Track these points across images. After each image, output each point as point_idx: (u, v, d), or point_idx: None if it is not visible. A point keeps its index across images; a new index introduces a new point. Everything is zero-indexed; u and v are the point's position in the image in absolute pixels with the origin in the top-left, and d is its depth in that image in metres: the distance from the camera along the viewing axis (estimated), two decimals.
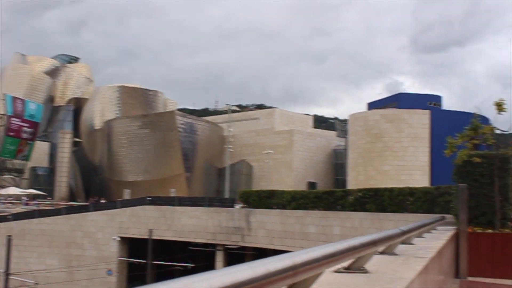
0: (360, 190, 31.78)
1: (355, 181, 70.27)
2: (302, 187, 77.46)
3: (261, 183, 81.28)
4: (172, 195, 58.37)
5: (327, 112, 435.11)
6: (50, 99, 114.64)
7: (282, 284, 2.12)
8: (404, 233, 5.91)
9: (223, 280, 1.55)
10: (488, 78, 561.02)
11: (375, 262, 5.00)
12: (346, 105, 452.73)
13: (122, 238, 41.98)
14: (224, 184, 72.50)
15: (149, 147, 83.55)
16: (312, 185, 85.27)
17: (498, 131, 14.88)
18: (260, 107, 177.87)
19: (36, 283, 41.06)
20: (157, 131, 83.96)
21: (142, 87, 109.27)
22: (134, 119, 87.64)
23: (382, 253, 6.06)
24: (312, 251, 2.49)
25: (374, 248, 4.27)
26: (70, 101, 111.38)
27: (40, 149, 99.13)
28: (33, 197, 77.28)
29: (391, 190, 29.19)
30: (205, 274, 1.57)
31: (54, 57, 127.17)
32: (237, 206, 39.62)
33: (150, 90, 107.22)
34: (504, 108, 14.31)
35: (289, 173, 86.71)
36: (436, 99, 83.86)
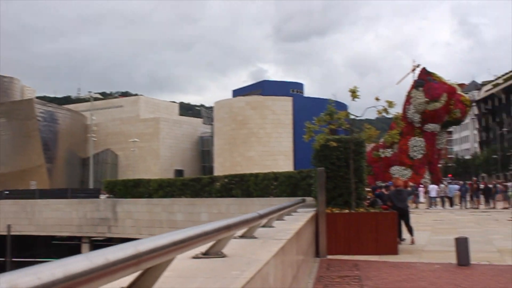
0: (226, 176, 32.10)
1: (221, 167, 70.96)
2: (169, 175, 77.01)
3: (128, 172, 79.87)
4: (33, 187, 55.75)
5: (193, 99, 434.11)
6: None
7: (125, 274, 2.10)
8: (261, 216, 6.04)
9: (54, 272, 1.49)
10: (346, 67, 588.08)
11: (233, 246, 5.08)
12: (213, 92, 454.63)
13: None
14: (88, 174, 70.14)
15: (5, 137, 78.78)
16: (179, 172, 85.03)
17: (352, 117, 15.59)
18: (125, 94, 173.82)
19: None
20: (14, 120, 79.45)
21: None
22: None
23: (242, 237, 6.17)
24: (159, 238, 2.49)
25: (230, 233, 4.32)
26: None
27: None
28: None
29: (256, 175, 29.68)
30: (35, 268, 1.50)
31: None
32: (103, 197, 38.63)
33: (5, 77, 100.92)
34: (357, 95, 15.04)
35: (156, 161, 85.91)
36: (298, 86, 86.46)
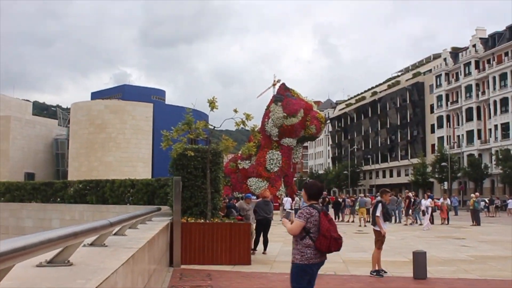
0: (80, 182, 31.13)
1: (76, 172, 68.67)
2: (19, 178, 73.24)
3: None
4: None
5: (49, 99, 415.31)
6: None
7: None
8: (112, 224, 5.96)
9: None
10: (211, 77, 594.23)
11: (81, 254, 4.98)
12: (71, 93, 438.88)
13: None
14: None
15: None
16: (29, 176, 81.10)
17: (211, 127, 15.78)
18: None
19: None
20: None
21: None
22: None
23: (91, 245, 6.06)
24: None
25: (78, 240, 4.22)
26: None
27: None
28: None
29: (112, 181, 29.07)
30: None
31: None
32: None
33: None
34: (216, 106, 15.24)
35: (5, 162, 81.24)
36: (160, 93, 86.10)
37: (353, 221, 37.38)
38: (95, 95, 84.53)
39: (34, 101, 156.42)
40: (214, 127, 15.67)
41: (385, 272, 12.97)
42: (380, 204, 13.19)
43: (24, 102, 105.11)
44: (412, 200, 36.10)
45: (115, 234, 7.53)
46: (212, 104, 15.17)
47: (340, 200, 41.11)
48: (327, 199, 40.38)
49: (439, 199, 37.79)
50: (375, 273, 12.81)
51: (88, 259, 4.83)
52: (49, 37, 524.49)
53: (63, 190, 30.98)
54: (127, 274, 5.18)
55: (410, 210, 35.80)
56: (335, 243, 6.67)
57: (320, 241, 6.64)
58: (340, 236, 6.78)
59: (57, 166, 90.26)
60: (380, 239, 13.06)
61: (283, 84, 57.10)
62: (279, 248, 18.48)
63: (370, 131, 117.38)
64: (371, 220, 15.41)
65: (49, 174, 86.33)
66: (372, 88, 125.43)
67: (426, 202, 31.89)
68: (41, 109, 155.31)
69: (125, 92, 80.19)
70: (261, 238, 17.29)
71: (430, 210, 31.41)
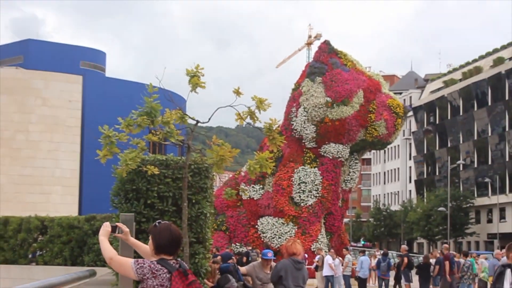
0: None
1: None
2: None
3: None
4: None
5: None
6: None
7: None
8: None
9: None
10: (193, 27, 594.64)
11: None
12: None
13: None
14: None
15: None
16: None
17: (192, 121, 15.88)
18: None
19: None
20: None
21: None
22: None
23: None
24: None
25: None
26: None
27: None
28: None
29: (5, 221, 29.35)
30: None
31: None
32: None
33: None
34: (201, 83, 15.41)
35: None
36: (98, 57, 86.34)
37: None
38: None
39: None
40: (198, 121, 15.79)
41: None
42: (509, 271, 13.20)
43: None
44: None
45: None
46: (194, 79, 15.25)
47: (433, 261, 40.95)
48: (405, 258, 40.33)
49: None
50: None
51: None
52: None
53: None
54: None
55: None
56: None
57: None
58: None
59: None
60: None
61: (326, 43, 56.78)
62: None
63: (490, 133, 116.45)
64: None
65: None
66: (495, 51, 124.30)
67: None
68: None
69: (30, 55, 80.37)
70: None
71: None
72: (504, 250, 14.75)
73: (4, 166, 70.72)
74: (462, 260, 41.55)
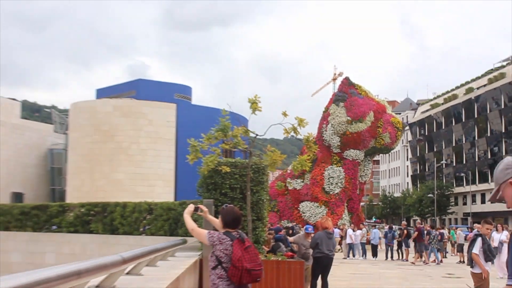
0: (83, 205, 31.54)
1: (77, 192, 69.52)
2: (4, 199, 74.54)
3: None
4: None
5: (43, 97, 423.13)
6: None
7: None
8: (125, 261, 6.09)
9: None
10: (253, 69, 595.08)
11: None
12: (71, 90, 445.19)
13: None
14: None
15: None
16: (17, 197, 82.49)
17: (253, 135, 15.69)
18: None
19: None
20: None
21: None
22: None
23: (98, 287, 6.13)
24: None
25: (81, 281, 4.25)
26: None
27: None
28: None
29: (124, 205, 29.32)
30: None
31: None
32: None
33: None
34: (259, 107, 15.26)
35: None
36: (186, 90, 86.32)
37: (441, 261, 37.12)
38: (102, 93, 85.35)
39: (23, 100, 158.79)
40: (257, 135, 15.76)
41: None
42: (480, 239, 13.03)
43: (10, 101, 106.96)
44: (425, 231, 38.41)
45: (128, 273, 7.68)
46: (254, 105, 15.25)
47: (425, 232, 40.80)
48: (405, 231, 40.11)
49: None
50: None
51: None
52: (42, 19, 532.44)
53: (60, 216, 31.42)
54: None
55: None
56: (247, 275, 7.69)
57: (231, 271, 7.72)
58: (257, 267, 7.83)
59: (52, 185, 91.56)
60: (481, 284, 12.93)
61: (347, 79, 56.83)
62: None
63: (464, 141, 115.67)
64: (466, 259, 15.26)
65: (42, 194, 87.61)
66: (467, 83, 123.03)
67: (502, 236, 30.27)
68: (32, 111, 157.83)
69: (140, 89, 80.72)
70: (319, 281, 17.20)
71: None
72: (479, 225, 14.57)
73: (123, 167, 71.12)
74: (444, 231, 41.89)
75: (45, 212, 32.17)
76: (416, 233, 37.54)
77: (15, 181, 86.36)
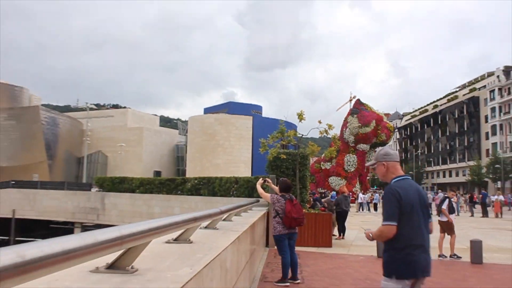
0: (196, 178, 31.79)
1: (192, 171, 70.46)
2: (149, 175, 76.08)
3: (115, 172, 78.54)
4: (35, 179, 54.20)
5: (172, 113, 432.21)
6: None
7: (111, 251, 2.11)
8: (222, 212, 6.06)
9: (54, 247, 1.51)
10: (299, 94, 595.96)
11: (199, 235, 5.09)
12: (188, 109, 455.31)
13: None
14: (82, 171, 68.88)
15: (14, 137, 76.79)
16: (157, 173, 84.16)
17: (299, 135, 15.73)
18: (116, 106, 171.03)
19: None
20: (22, 122, 77.55)
21: (8, 82, 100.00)
22: (0, 111, 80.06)
23: (206, 228, 6.18)
24: (138, 225, 2.51)
25: (196, 224, 4.31)
26: None
27: None
28: None
29: (220, 178, 29.45)
30: (38, 242, 1.51)
31: None
32: (94, 190, 37.92)
33: (16, 86, 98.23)
34: (303, 118, 15.17)
35: (139, 163, 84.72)
36: (258, 108, 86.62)
37: None
38: (207, 110, 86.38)
39: (161, 115, 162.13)
40: (302, 135, 15.66)
41: (459, 257, 12.56)
42: (447, 200, 12.92)
43: (153, 116, 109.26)
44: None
45: (224, 220, 7.64)
46: (300, 116, 15.13)
47: None
48: None
49: (494, 195, 35.72)
50: (455, 256, 12.56)
51: (204, 239, 4.94)
52: (173, 65, 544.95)
53: (182, 185, 31.76)
54: (234, 251, 5.26)
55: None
56: (294, 221, 8.06)
57: (284, 219, 8.02)
58: (301, 216, 8.11)
59: (177, 166, 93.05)
60: (449, 227, 12.74)
61: (358, 100, 55.96)
62: (355, 234, 18.15)
63: (432, 138, 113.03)
64: (436, 212, 14.80)
65: (172, 172, 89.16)
66: (434, 102, 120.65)
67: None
68: (166, 122, 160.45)
69: (230, 108, 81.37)
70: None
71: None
72: (452, 192, 14.20)
73: (220, 156, 71.70)
74: None
75: (174, 183, 32.55)
76: None
77: (155, 164, 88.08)
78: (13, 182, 39.88)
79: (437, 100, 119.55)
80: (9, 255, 1.29)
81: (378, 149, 4.52)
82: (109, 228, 2.12)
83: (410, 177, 4.24)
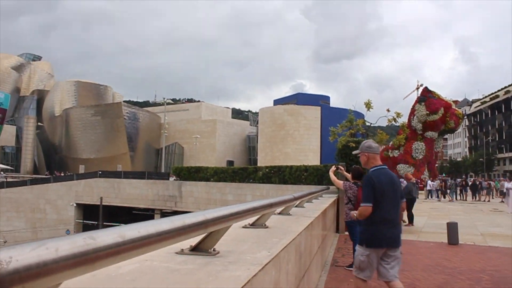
0: (267, 167, 31.98)
1: (263, 160, 70.99)
2: (222, 164, 77.37)
3: (191, 161, 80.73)
4: (119, 170, 56.76)
5: (243, 106, 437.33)
6: (17, 90, 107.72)
7: (196, 234, 2.20)
8: (295, 198, 6.09)
9: (149, 229, 1.60)
10: (367, 85, 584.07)
11: (274, 220, 5.15)
12: (259, 101, 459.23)
13: (78, 204, 40.69)
14: (161, 161, 71.46)
15: (100, 131, 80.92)
16: (230, 163, 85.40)
17: (368, 124, 15.41)
18: (190, 100, 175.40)
19: (5, 241, 39.09)
20: (106, 118, 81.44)
21: (95, 82, 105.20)
22: (88, 108, 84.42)
23: (280, 213, 6.23)
24: (220, 210, 2.58)
25: (271, 209, 4.37)
26: (33, 92, 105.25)
27: (8, 131, 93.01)
28: (2, 170, 72.83)
29: (290, 167, 29.42)
30: (136, 225, 1.61)
31: (20, 55, 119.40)
32: (171, 179, 39.17)
33: (101, 85, 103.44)
34: (371, 107, 14.89)
35: (213, 153, 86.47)
36: (326, 98, 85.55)
37: (489, 201, 34.48)
38: (277, 102, 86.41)
39: (233, 108, 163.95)
40: (371, 123, 15.34)
41: None
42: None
43: (226, 109, 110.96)
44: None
45: (296, 206, 7.66)
46: (368, 105, 14.86)
47: (477, 183, 38.06)
48: (463, 182, 37.57)
49: None
50: None
51: (279, 224, 4.99)
52: (244, 61, 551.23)
53: (254, 174, 32.04)
54: (307, 236, 5.28)
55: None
56: None
57: (357, 206, 7.48)
58: None
59: (249, 156, 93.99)
60: None
61: (426, 88, 53.85)
62: (424, 221, 17.61)
63: (504, 124, 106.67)
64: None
65: (244, 161, 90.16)
66: (505, 87, 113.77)
67: (509, 184, 27.43)
68: (237, 114, 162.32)
69: (299, 99, 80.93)
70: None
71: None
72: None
73: (290, 145, 71.72)
74: (492, 182, 38.64)
75: (246, 171, 32.92)
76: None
77: (228, 154, 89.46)
78: (100, 172, 41.96)
79: (509, 85, 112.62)
80: (112, 235, 1.40)
81: (366, 141, 4.99)
82: (195, 212, 2.21)
83: (386, 167, 4.90)
